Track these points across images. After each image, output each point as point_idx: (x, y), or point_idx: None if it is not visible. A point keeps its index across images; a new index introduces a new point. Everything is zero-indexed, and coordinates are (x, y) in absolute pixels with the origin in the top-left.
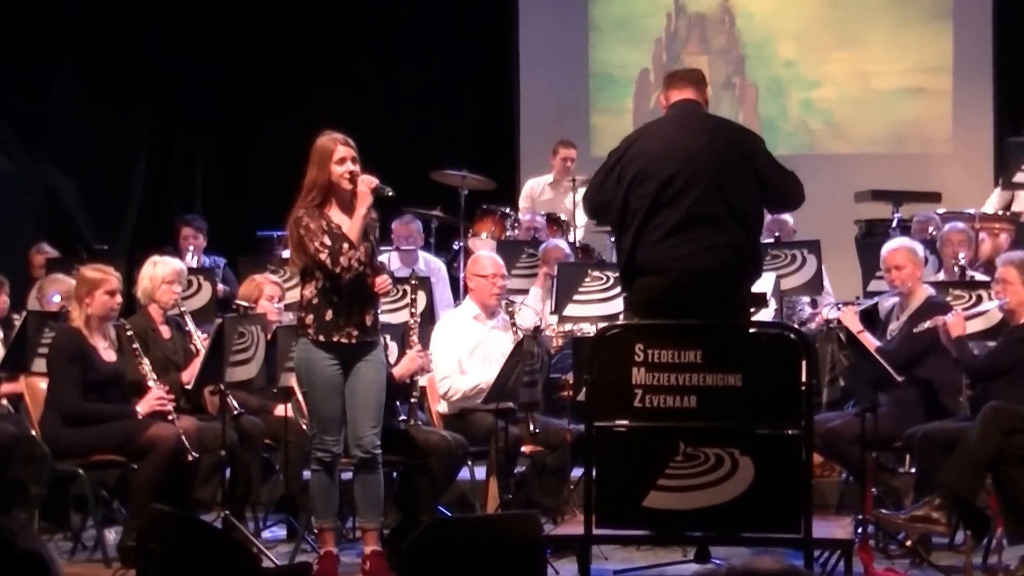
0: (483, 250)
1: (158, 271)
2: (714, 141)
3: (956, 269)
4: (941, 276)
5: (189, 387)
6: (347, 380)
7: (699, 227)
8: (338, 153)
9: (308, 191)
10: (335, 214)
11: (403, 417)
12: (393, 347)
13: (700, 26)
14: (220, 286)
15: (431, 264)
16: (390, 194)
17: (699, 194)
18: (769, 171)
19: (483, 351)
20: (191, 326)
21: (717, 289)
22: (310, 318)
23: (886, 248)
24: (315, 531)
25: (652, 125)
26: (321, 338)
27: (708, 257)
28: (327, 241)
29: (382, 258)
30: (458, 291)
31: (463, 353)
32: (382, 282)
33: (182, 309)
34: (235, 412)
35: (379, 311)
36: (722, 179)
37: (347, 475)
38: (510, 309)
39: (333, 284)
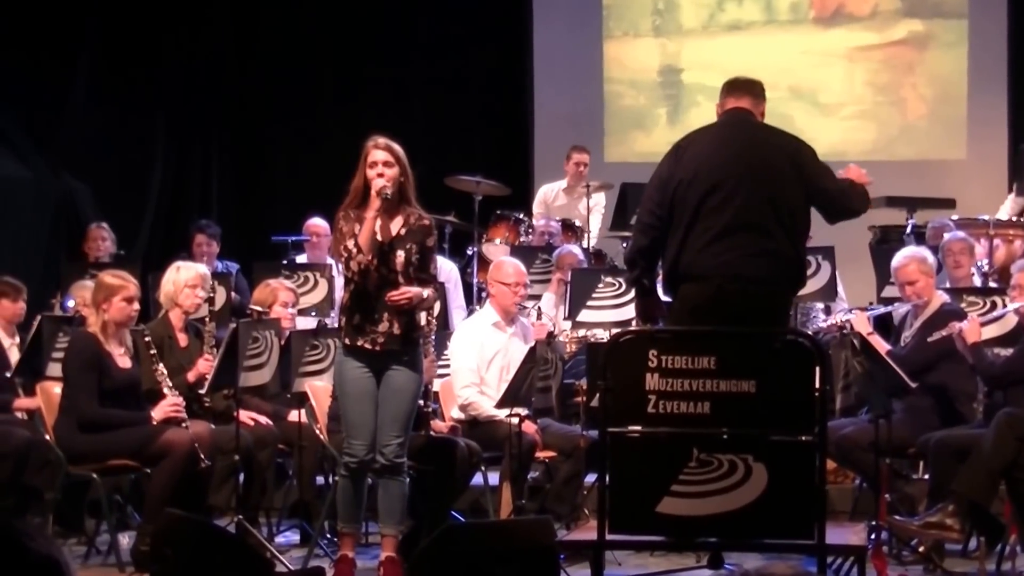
0: (505, 256)
1: (182, 276)
2: (762, 149)
3: (976, 276)
4: (946, 284)
5: (202, 391)
6: (379, 387)
7: (744, 234)
8: (371, 156)
9: (349, 192)
10: (371, 216)
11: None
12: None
13: None
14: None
15: (444, 268)
16: (388, 194)
17: (745, 201)
18: (823, 179)
19: (501, 359)
20: (208, 332)
21: (760, 296)
22: (343, 320)
23: (895, 262)
24: (330, 536)
25: (701, 131)
26: (348, 342)
27: (752, 264)
28: (349, 246)
29: None
30: (471, 296)
31: (482, 361)
32: (397, 295)
33: (203, 317)
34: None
35: (415, 321)
36: (769, 187)
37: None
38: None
39: (357, 288)
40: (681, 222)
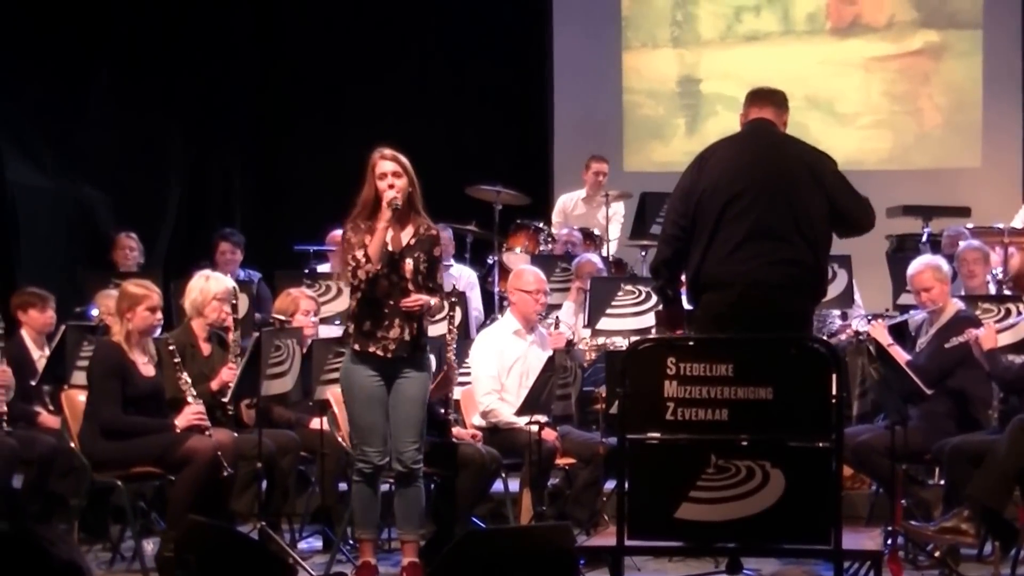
0: (525, 264)
1: (211, 286)
2: (784, 159)
3: (991, 284)
4: (961, 291)
5: (225, 399)
6: (389, 394)
7: (765, 242)
8: (379, 168)
9: (358, 204)
10: (381, 226)
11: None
12: (432, 360)
13: None
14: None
15: (463, 275)
16: (398, 205)
17: (766, 210)
18: (839, 193)
19: (521, 367)
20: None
21: (782, 303)
22: (351, 327)
23: (911, 270)
24: (353, 542)
25: (724, 141)
26: (358, 348)
27: (773, 272)
28: (358, 255)
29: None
30: (491, 304)
31: (503, 369)
32: (410, 301)
33: (226, 325)
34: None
35: (423, 326)
36: (790, 196)
37: (385, 487)
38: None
39: (366, 296)
40: (704, 231)
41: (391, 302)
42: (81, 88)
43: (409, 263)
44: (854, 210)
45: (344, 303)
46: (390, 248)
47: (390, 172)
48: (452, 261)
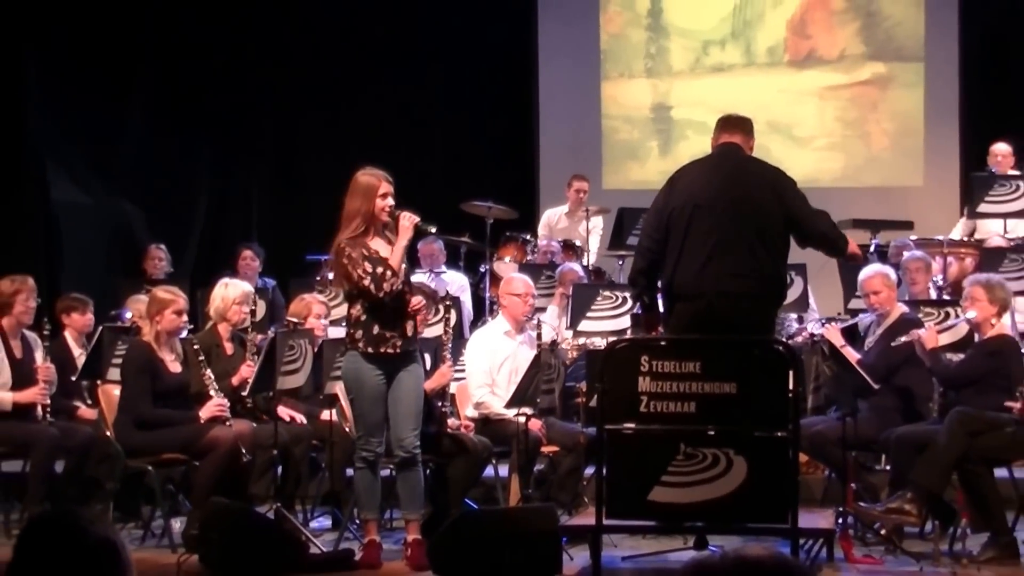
0: (514, 272)
1: (230, 292)
2: (747, 179)
3: (932, 290)
4: (906, 296)
5: (244, 393)
6: (390, 389)
7: (730, 255)
8: (382, 189)
9: (351, 220)
10: (375, 242)
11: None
12: (428, 359)
13: None
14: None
15: (456, 281)
16: (432, 230)
17: (731, 224)
18: (798, 208)
19: (511, 364)
20: (250, 341)
21: (748, 311)
22: (359, 333)
23: (862, 276)
24: (359, 522)
25: (694, 163)
26: (370, 350)
27: (738, 283)
28: (368, 268)
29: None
30: (482, 309)
31: (494, 365)
32: (416, 302)
33: (246, 327)
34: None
35: (417, 325)
36: (752, 213)
37: (385, 472)
38: (536, 329)
39: (376, 303)
40: (676, 245)
41: (397, 306)
42: (118, 116)
43: (404, 269)
44: (817, 224)
45: None
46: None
47: (390, 193)
48: (444, 268)
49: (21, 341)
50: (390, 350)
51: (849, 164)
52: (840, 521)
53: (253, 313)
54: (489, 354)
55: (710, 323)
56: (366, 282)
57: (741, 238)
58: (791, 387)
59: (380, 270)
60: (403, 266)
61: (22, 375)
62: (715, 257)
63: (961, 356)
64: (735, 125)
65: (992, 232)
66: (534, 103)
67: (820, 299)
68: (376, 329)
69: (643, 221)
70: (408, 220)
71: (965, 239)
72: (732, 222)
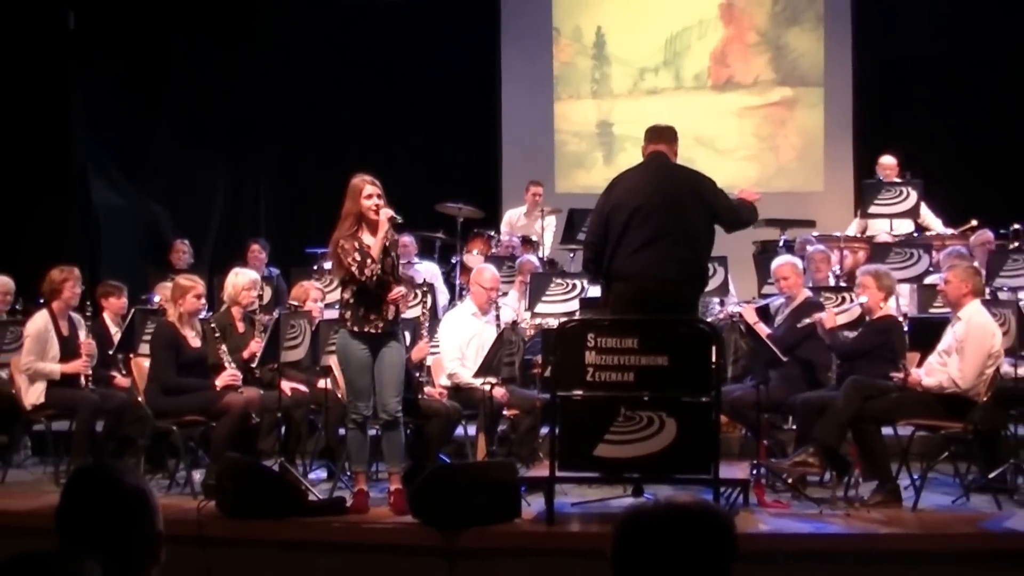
0: (485, 265)
1: (239, 280)
2: (673, 181)
3: (831, 278)
4: (810, 283)
5: (253, 365)
6: (375, 361)
7: (659, 244)
8: (366, 191)
9: (345, 219)
10: (365, 236)
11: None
12: (408, 336)
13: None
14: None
15: (430, 270)
16: (399, 220)
17: (659, 219)
18: (717, 203)
19: (477, 341)
20: (258, 320)
21: (672, 292)
22: (348, 314)
23: (774, 264)
24: (350, 473)
25: (629, 170)
26: (356, 328)
27: (665, 268)
28: (357, 257)
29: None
30: (453, 295)
31: (464, 341)
32: (395, 294)
33: (255, 309)
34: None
35: (399, 309)
36: (678, 210)
37: (372, 432)
38: (498, 310)
39: (362, 289)
40: (614, 237)
41: (380, 292)
42: (148, 131)
43: (389, 261)
44: (734, 213)
45: None
46: (381, 252)
47: (375, 194)
48: (417, 259)
49: (68, 321)
50: (372, 329)
51: (763, 172)
52: (754, 472)
53: (261, 297)
54: (459, 332)
55: (642, 302)
56: (353, 268)
57: (668, 232)
58: (713, 360)
59: (363, 258)
60: (393, 257)
61: (68, 349)
62: (646, 248)
63: (855, 333)
64: (660, 135)
65: (880, 230)
66: (498, 120)
67: (738, 285)
68: (362, 311)
69: (589, 219)
70: (384, 215)
71: (858, 236)
72: (661, 219)
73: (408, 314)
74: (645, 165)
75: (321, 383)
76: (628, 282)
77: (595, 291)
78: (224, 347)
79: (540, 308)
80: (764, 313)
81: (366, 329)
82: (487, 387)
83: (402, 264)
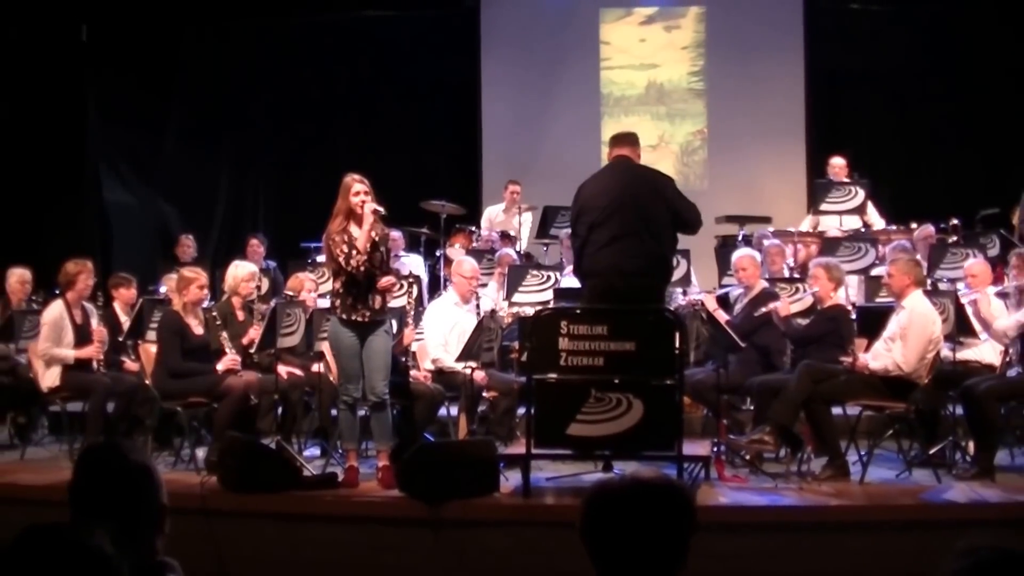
0: (465, 258)
1: (239, 272)
2: (637, 182)
3: (786, 270)
4: (766, 275)
5: (252, 350)
6: (363, 347)
7: (625, 241)
8: (354, 188)
9: (336, 214)
10: (354, 230)
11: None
12: (395, 324)
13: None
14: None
15: (414, 262)
16: (383, 213)
17: (625, 218)
18: (675, 202)
19: (459, 329)
20: (257, 309)
21: (639, 286)
22: (337, 302)
23: (734, 257)
24: (342, 451)
25: (597, 173)
26: (344, 316)
27: (631, 263)
28: (345, 249)
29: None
30: (436, 286)
31: (446, 328)
32: (385, 282)
33: (254, 299)
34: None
35: (386, 299)
36: (642, 208)
37: (361, 412)
38: (478, 300)
39: (351, 279)
40: (584, 237)
41: (368, 282)
42: (157, 134)
43: (378, 255)
44: (686, 214)
45: None
46: (369, 244)
47: (363, 191)
48: (403, 253)
49: (81, 310)
50: (359, 318)
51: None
52: (715, 449)
53: (259, 288)
54: (443, 320)
55: (611, 294)
56: (341, 259)
57: (634, 230)
58: (677, 345)
59: (350, 250)
60: (381, 252)
61: (82, 336)
62: (614, 243)
63: (807, 321)
64: (623, 140)
65: (831, 226)
66: (478, 124)
67: (700, 276)
68: (350, 301)
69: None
70: (368, 210)
71: (811, 231)
72: (627, 218)
73: (395, 303)
74: (611, 167)
75: (315, 367)
76: (599, 277)
77: (568, 282)
78: (225, 334)
79: (517, 298)
80: (724, 302)
81: (354, 317)
82: (468, 371)
83: (391, 258)
